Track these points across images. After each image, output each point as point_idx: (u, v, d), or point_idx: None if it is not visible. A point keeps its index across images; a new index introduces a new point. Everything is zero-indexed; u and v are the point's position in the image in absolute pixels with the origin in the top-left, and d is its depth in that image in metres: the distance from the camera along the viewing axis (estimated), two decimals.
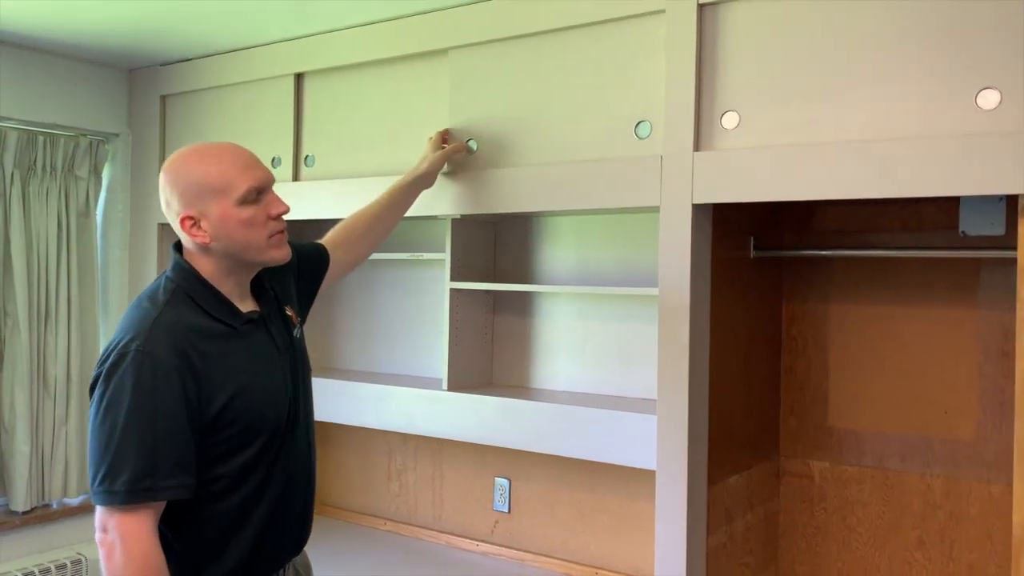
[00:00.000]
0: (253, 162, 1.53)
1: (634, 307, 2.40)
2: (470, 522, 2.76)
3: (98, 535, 1.40)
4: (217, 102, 2.86)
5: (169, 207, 1.52)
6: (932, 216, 2.13)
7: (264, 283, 1.63)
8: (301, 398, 1.61)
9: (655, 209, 1.92)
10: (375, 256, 2.81)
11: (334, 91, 2.58)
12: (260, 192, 1.51)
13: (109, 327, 3.11)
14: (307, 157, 2.65)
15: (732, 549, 2.08)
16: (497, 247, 2.74)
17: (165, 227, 2.99)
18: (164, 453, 1.38)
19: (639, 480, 2.35)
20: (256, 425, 1.49)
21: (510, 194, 2.16)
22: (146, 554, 1.38)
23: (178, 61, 2.92)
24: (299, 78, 2.66)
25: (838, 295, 2.28)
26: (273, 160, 2.70)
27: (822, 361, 2.29)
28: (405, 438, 2.97)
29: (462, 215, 2.42)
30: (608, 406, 2.25)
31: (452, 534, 2.79)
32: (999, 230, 1.97)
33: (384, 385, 2.62)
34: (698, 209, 1.87)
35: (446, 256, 2.51)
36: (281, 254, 1.55)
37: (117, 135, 3.07)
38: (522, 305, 2.65)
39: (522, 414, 2.29)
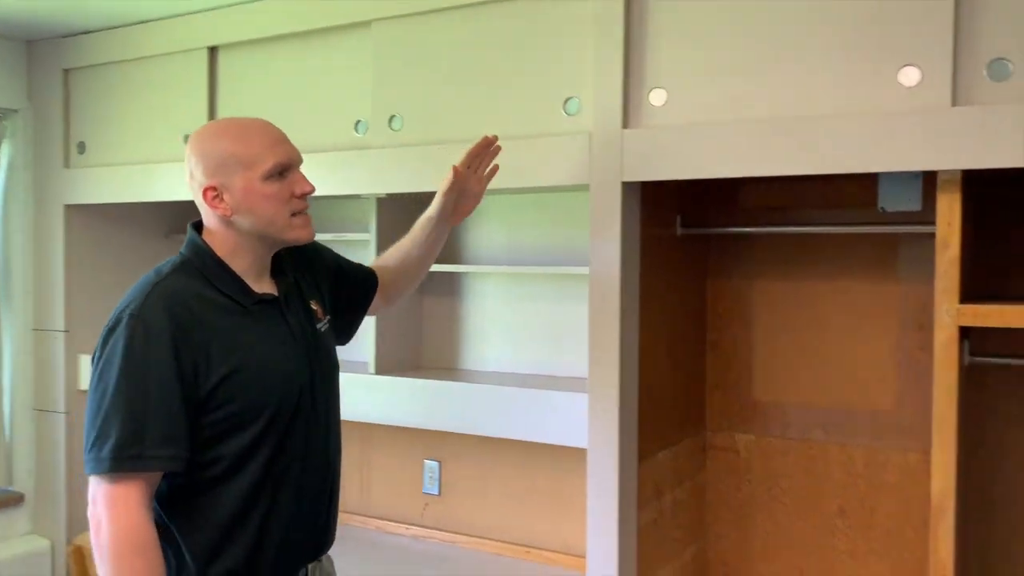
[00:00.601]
0: (282, 139, 1.51)
1: (565, 287, 2.40)
2: (399, 506, 2.73)
3: (88, 509, 1.36)
4: (125, 76, 2.72)
5: (192, 178, 1.49)
6: (853, 193, 2.17)
7: (286, 270, 1.58)
8: (320, 391, 1.55)
9: (585, 187, 1.91)
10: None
11: (251, 65, 2.48)
12: (286, 169, 1.48)
13: (14, 315, 2.95)
14: None
15: (662, 524, 2.10)
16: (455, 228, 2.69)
17: (73, 209, 2.84)
18: (154, 421, 1.34)
19: (570, 459, 2.36)
20: (255, 407, 1.43)
21: (437, 172, 2.11)
22: (132, 527, 1.33)
23: (81, 33, 2.76)
24: (213, 52, 2.55)
25: (762, 272, 2.32)
26: (186, 139, 2.58)
27: (747, 337, 2.33)
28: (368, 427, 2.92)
29: (387, 194, 2.37)
30: (539, 386, 2.24)
31: (381, 518, 2.75)
32: (916, 206, 2.02)
33: None
34: (628, 187, 1.86)
35: (371, 236, 2.46)
36: (304, 234, 1.52)
37: (16, 111, 2.90)
38: (451, 286, 2.62)
39: (452, 396, 2.27)
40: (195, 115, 2.56)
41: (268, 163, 1.45)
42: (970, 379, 2.01)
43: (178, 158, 2.59)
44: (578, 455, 2.11)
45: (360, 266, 1.82)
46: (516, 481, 2.54)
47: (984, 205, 1.98)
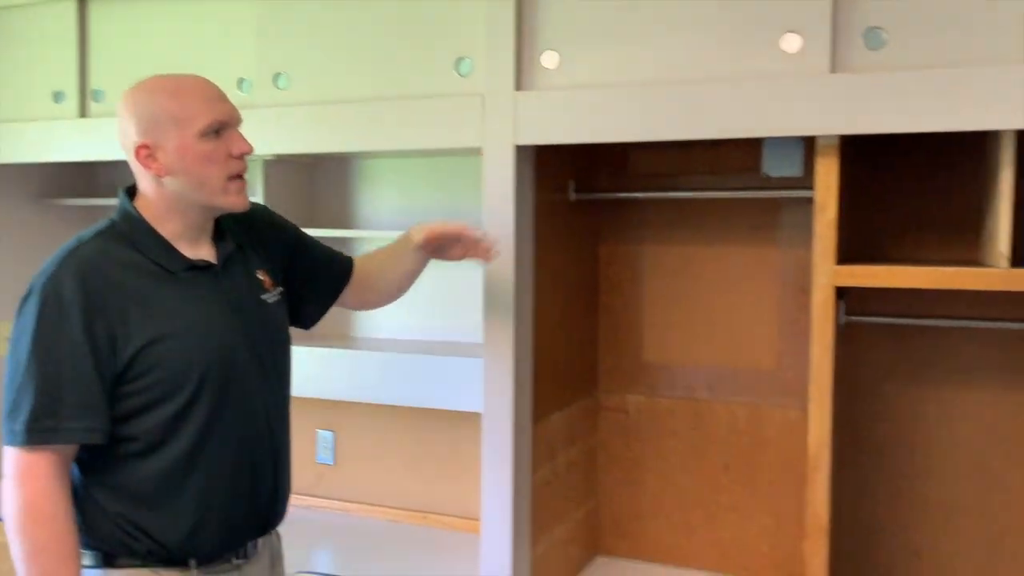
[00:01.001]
0: (219, 96, 1.45)
1: None
2: (292, 476, 2.68)
3: (3, 482, 1.33)
4: None
5: (125, 136, 1.42)
6: (738, 159, 2.24)
7: (227, 236, 1.52)
8: (262, 362, 1.49)
9: (478, 151, 1.89)
10: None
11: (124, 19, 2.34)
12: (223, 127, 1.42)
13: None
14: (95, 92, 2.39)
15: (556, 485, 2.13)
16: (314, 191, 2.63)
17: None
18: (69, 391, 1.31)
19: (466, 424, 2.36)
20: (179, 378, 1.37)
21: (326, 133, 2.06)
22: (39, 497, 1.30)
23: None
24: (82, 4, 2.39)
25: (652, 236, 2.36)
26: (56, 95, 2.42)
27: (637, 300, 2.37)
28: None
29: (275, 156, 2.30)
30: (434, 352, 2.23)
31: None
32: (798, 171, 2.10)
33: None
34: (521, 151, 1.85)
35: (258, 199, 2.38)
36: (238, 201, 1.45)
37: None
38: (342, 252, 2.56)
39: (346, 364, 2.24)
40: (65, 70, 2.40)
41: (203, 120, 1.39)
42: (846, 337, 2.11)
43: (48, 116, 2.43)
44: (474, 420, 2.12)
45: (335, 253, 1.76)
46: (412, 448, 2.53)
47: (865, 170, 2.08)
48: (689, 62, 1.71)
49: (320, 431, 2.65)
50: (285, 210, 2.42)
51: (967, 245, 1.96)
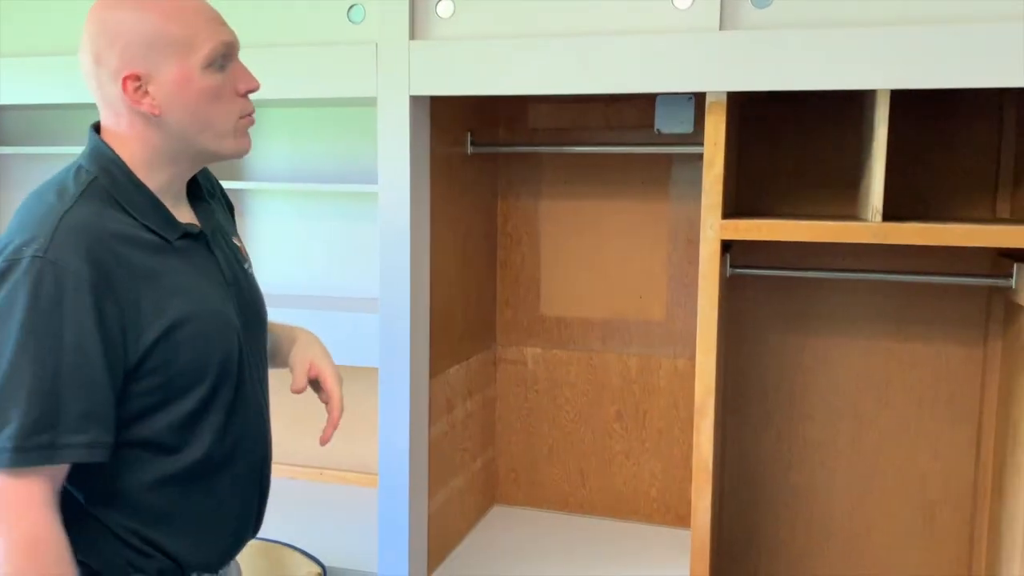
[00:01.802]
0: (220, 17, 1.17)
1: (354, 205, 2.34)
2: None
3: None
4: None
5: (100, 61, 1.12)
6: (633, 115, 2.27)
7: (203, 194, 1.26)
8: (255, 345, 1.27)
9: (372, 102, 1.85)
10: (64, 151, 2.47)
11: None
12: (228, 57, 1.16)
13: None
14: None
15: (453, 437, 2.15)
16: None
17: None
18: (70, 397, 1.02)
19: (363, 379, 2.34)
20: (201, 366, 1.14)
21: None
22: (38, 538, 1.02)
23: None
24: None
25: (549, 191, 2.38)
26: None
27: (535, 254, 2.40)
28: None
29: None
30: (330, 307, 2.20)
31: None
32: (688, 128, 2.14)
33: None
34: (416, 102, 1.82)
35: None
36: (244, 145, 1.20)
37: None
38: (234, 204, 2.48)
39: None
40: None
41: (208, 45, 1.12)
42: (734, 288, 2.19)
43: None
44: (371, 375, 2.11)
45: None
46: (307, 404, 2.50)
47: (758, 126, 2.14)
48: (582, 15, 1.72)
49: None
50: None
51: (852, 200, 2.06)
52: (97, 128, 1.17)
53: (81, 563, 1.09)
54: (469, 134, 2.17)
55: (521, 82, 1.74)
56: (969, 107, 2.03)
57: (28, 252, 1.03)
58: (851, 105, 2.00)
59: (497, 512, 2.43)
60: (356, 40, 1.84)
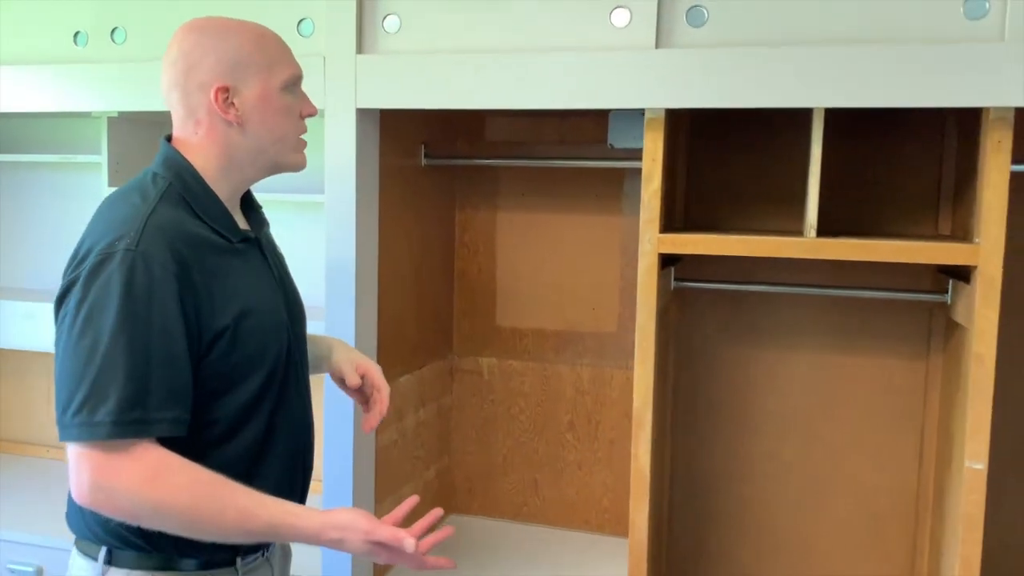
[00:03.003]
0: (290, 50, 1.37)
1: (301, 215, 2.36)
2: None
3: (79, 488, 1.13)
4: None
5: (190, 74, 1.27)
6: (587, 130, 2.30)
7: (254, 204, 1.44)
8: (299, 342, 1.41)
9: (320, 113, 1.88)
10: (18, 159, 2.51)
11: None
12: (298, 83, 1.36)
13: None
14: None
15: (403, 445, 2.17)
16: None
17: None
18: (158, 376, 1.14)
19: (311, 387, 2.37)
20: (259, 356, 1.28)
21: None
22: (157, 485, 1.13)
23: None
24: None
25: (506, 203, 2.41)
26: None
27: (491, 265, 2.42)
28: None
29: (119, 112, 2.22)
30: None
31: None
32: (640, 143, 2.14)
33: (38, 302, 2.40)
34: (363, 114, 1.85)
35: (102, 159, 2.30)
36: (303, 159, 1.39)
37: None
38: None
39: None
40: None
41: (288, 71, 1.32)
42: (683, 303, 2.22)
43: None
44: (317, 382, 2.12)
45: None
46: None
47: (710, 142, 2.17)
48: (523, 32, 1.75)
49: None
50: (132, 168, 2.36)
51: (795, 216, 2.08)
52: (168, 139, 1.33)
53: (139, 547, 1.24)
54: (423, 146, 2.19)
55: (463, 97, 1.77)
56: (914, 126, 2.07)
57: (121, 246, 1.16)
58: (802, 122, 2.04)
59: (451, 521, 2.45)
60: (305, 53, 1.85)
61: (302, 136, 1.38)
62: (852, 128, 2.06)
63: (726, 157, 2.20)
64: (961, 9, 1.54)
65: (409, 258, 2.15)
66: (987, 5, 1.53)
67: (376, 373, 1.53)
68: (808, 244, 1.70)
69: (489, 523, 2.45)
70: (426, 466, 2.33)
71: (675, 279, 2.04)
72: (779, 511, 2.21)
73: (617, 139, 2.23)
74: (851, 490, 2.16)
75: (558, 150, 2.34)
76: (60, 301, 1.19)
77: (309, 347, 1.49)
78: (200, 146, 1.29)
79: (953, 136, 2.03)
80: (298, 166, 1.38)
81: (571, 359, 2.38)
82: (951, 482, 1.79)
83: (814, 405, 2.18)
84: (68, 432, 1.12)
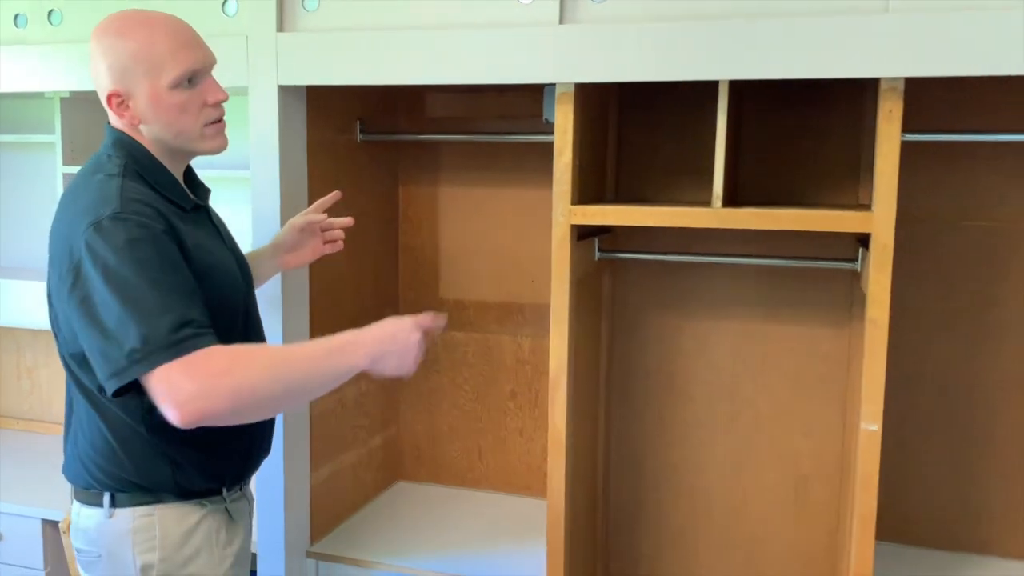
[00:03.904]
0: (192, 41, 1.41)
1: (231, 190, 2.40)
2: None
3: (178, 409, 1.20)
4: None
5: (96, 79, 1.41)
6: (524, 105, 2.34)
7: (195, 177, 1.55)
8: (253, 297, 1.58)
9: (245, 91, 1.94)
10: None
11: None
12: (196, 76, 1.41)
13: None
14: None
15: (342, 414, 2.24)
16: None
17: None
18: (188, 298, 1.27)
19: None
20: (224, 310, 1.40)
21: None
22: (234, 373, 1.23)
23: None
24: None
25: (448, 177, 2.46)
26: None
27: (434, 239, 2.48)
28: (35, 334, 2.83)
29: (71, 92, 2.28)
30: None
31: (57, 423, 2.75)
32: None
33: (3, 279, 2.48)
34: (286, 91, 1.91)
35: (56, 139, 2.36)
36: (218, 143, 1.46)
37: None
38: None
39: None
40: None
41: (174, 71, 1.37)
42: (616, 274, 2.27)
43: None
44: None
45: None
46: None
47: (634, 116, 2.21)
48: (435, 9, 1.79)
49: None
50: (85, 149, 2.43)
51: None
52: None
53: (139, 486, 1.41)
54: (359, 122, 2.25)
55: (378, 73, 1.82)
56: (836, 98, 2.10)
57: (107, 213, 1.27)
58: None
59: (398, 487, 2.53)
60: (228, 32, 1.93)
61: (214, 120, 1.44)
62: (778, 100, 2.09)
63: (656, 130, 2.23)
64: None
65: (346, 234, 2.20)
66: None
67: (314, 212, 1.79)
68: (714, 214, 1.75)
69: (435, 489, 2.52)
70: (370, 434, 2.40)
71: (601, 250, 2.09)
72: (710, 475, 2.28)
73: (551, 114, 2.25)
74: (779, 454, 2.22)
75: (497, 125, 2.38)
76: (71, 286, 1.27)
77: (252, 265, 1.66)
78: (133, 133, 1.42)
79: (872, 107, 2.06)
80: (212, 151, 1.46)
81: (512, 330, 2.44)
82: (852, 447, 1.85)
83: (743, 372, 2.23)
84: (143, 366, 1.20)
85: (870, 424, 1.66)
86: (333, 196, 1.84)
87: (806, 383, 2.20)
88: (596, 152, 2.06)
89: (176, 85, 1.38)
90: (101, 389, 1.32)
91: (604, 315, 2.29)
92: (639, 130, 2.24)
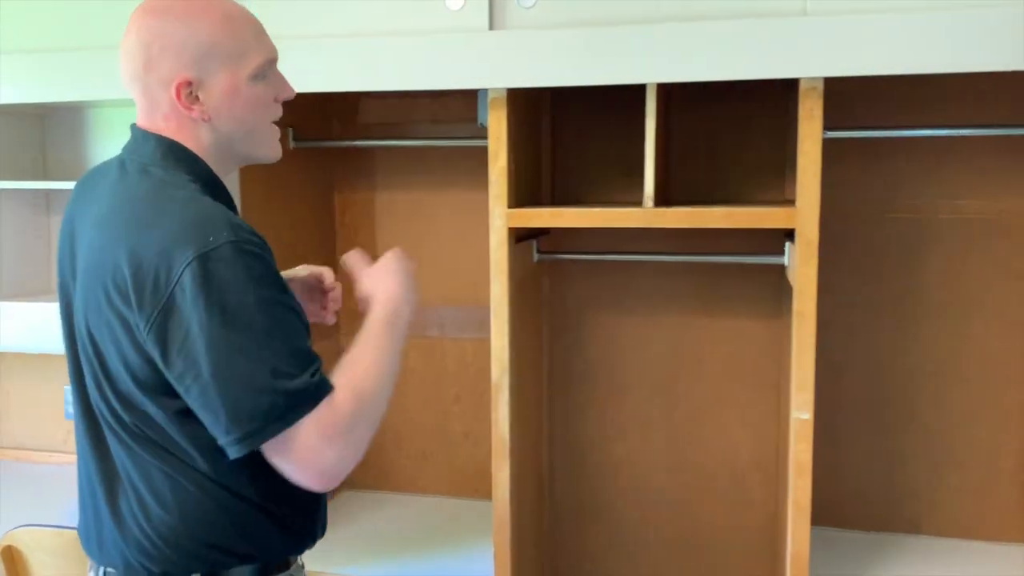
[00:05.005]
0: (264, 29, 1.24)
1: None
2: (40, 434, 2.66)
3: (329, 461, 1.10)
4: None
5: (150, 67, 1.17)
6: (459, 109, 2.36)
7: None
8: None
9: None
10: None
11: None
12: (271, 67, 1.25)
13: None
14: None
15: None
16: (46, 142, 2.56)
17: None
18: (306, 343, 1.13)
19: None
20: None
21: (48, 82, 2.03)
22: (348, 407, 1.11)
23: None
24: None
25: (384, 183, 2.46)
26: None
27: (372, 246, 2.48)
28: None
29: None
30: None
31: (20, 448, 2.67)
32: None
33: None
34: None
35: None
36: (278, 150, 1.31)
37: None
38: (45, 204, 2.53)
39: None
40: None
41: (258, 59, 1.20)
42: (554, 274, 2.30)
43: None
44: None
45: None
46: None
47: (569, 120, 2.25)
48: (365, 17, 1.80)
49: (67, 387, 2.62)
50: (16, 163, 2.39)
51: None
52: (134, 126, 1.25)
53: (245, 550, 1.20)
54: (291, 130, 2.23)
55: (309, 81, 1.81)
56: (764, 97, 2.16)
57: (221, 240, 1.08)
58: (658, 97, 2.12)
59: (346, 496, 2.52)
60: None
61: (277, 120, 1.29)
62: (710, 101, 2.14)
63: (591, 132, 2.27)
64: None
65: (278, 243, 2.17)
66: None
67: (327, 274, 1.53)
68: (645, 214, 1.79)
69: (383, 496, 2.52)
70: None
71: (540, 252, 2.12)
72: (651, 468, 2.32)
73: (486, 118, 2.27)
74: (716, 445, 2.28)
75: (433, 130, 2.39)
76: (149, 323, 1.08)
77: None
78: (174, 138, 1.21)
79: (794, 105, 2.13)
80: (272, 158, 1.31)
81: (454, 333, 2.45)
82: (784, 438, 1.91)
83: (679, 366, 2.28)
84: (284, 422, 1.07)
85: (802, 413, 1.72)
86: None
87: (741, 375, 2.26)
88: (532, 155, 2.09)
89: (256, 76, 1.21)
90: (204, 447, 1.14)
91: (545, 315, 2.32)
92: (575, 132, 2.27)
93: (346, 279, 1.41)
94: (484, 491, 2.45)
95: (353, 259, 1.37)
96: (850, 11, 1.60)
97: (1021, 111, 2.00)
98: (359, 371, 1.17)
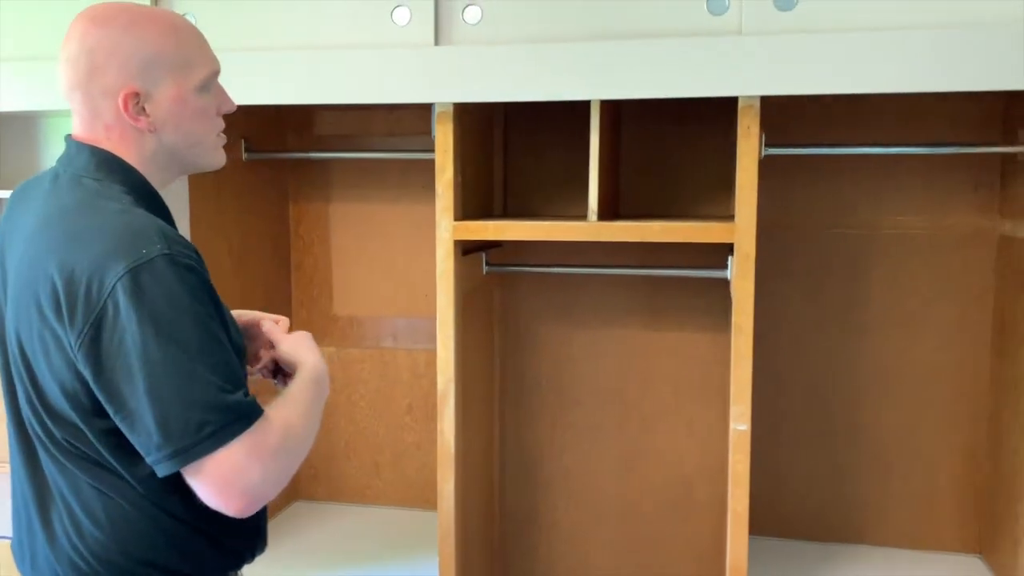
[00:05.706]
0: (206, 40, 1.24)
1: None
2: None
3: (249, 488, 1.06)
4: None
5: (93, 75, 1.14)
6: (413, 122, 2.38)
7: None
8: None
9: None
10: None
11: None
12: (214, 80, 1.24)
13: None
14: None
15: None
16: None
17: None
18: (235, 363, 1.11)
19: None
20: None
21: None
22: (273, 444, 1.09)
23: None
24: None
25: (339, 195, 2.47)
26: None
27: (327, 257, 2.49)
28: None
29: None
30: None
31: None
32: None
33: None
34: None
35: None
36: (222, 157, 1.29)
37: None
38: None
39: None
40: None
41: (204, 70, 1.20)
42: (505, 286, 2.33)
43: None
44: None
45: None
46: None
47: (520, 135, 2.27)
48: (313, 31, 1.82)
49: None
50: None
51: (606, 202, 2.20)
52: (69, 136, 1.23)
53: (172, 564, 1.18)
54: (243, 141, 2.24)
55: (257, 93, 1.83)
56: (712, 114, 2.20)
57: (154, 252, 1.05)
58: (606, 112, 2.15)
59: (297, 507, 2.51)
60: None
61: (220, 133, 1.29)
62: (658, 116, 2.18)
63: (542, 145, 2.30)
64: (705, 6, 1.67)
65: (228, 253, 2.19)
66: (727, 2, 1.66)
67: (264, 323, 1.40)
68: (589, 228, 1.82)
69: (334, 507, 2.52)
70: None
71: (489, 264, 2.14)
72: (601, 478, 2.35)
73: None
74: (665, 456, 2.31)
75: (387, 143, 2.41)
76: (79, 336, 1.06)
77: None
78: (115, 151, 1.19)
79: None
80: (216, 166, 1.29)
81: (407, 344, 2.47)
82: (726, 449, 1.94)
83: (629, 378, 2.31)
84: (214, 440, 1.04)
85: (739, 424, 1.75)
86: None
87: (688, 386, 2.29)
88: (481, 168, 2.11)
89: (203, 87, 1.21)
90: (136, 464, 1.12)
91: (496, 327, 2.34)
92: (527, 146, 2.30)
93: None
94: (435, 502, 2.46)
95: (270, 326, 1.36)
96: (783, 31, 1.64)
97: (961, 129, 2.06)
98: (291, 410, 1.18)
